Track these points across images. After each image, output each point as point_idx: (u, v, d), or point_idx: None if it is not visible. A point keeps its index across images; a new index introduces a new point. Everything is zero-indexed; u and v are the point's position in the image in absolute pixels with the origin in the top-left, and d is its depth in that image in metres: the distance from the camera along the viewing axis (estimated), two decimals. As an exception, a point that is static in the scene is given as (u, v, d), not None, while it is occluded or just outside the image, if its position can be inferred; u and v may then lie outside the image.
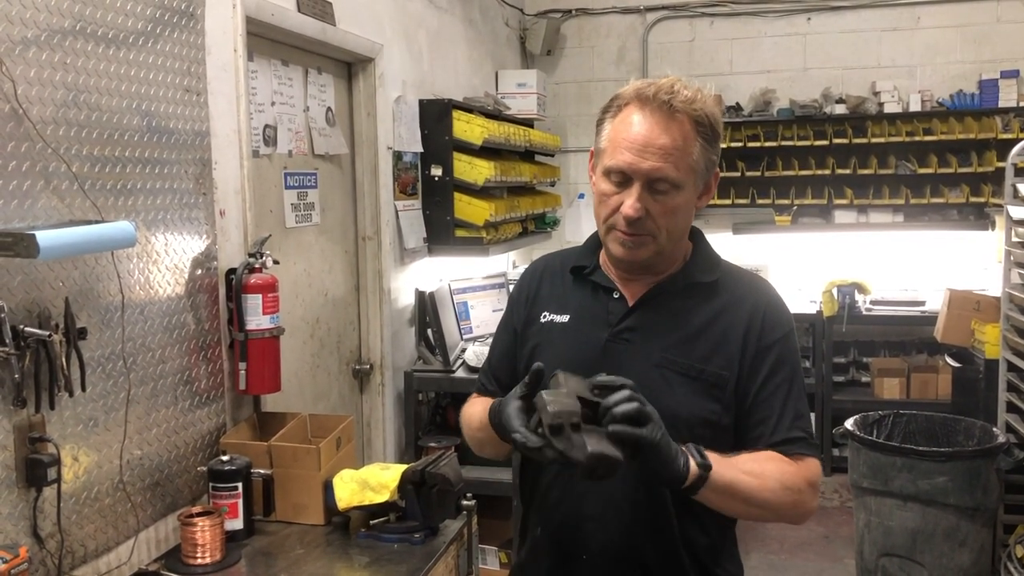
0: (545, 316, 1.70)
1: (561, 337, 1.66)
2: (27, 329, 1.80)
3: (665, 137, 1.50)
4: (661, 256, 1.60)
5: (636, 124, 1.51)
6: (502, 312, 1.86)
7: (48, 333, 1.83)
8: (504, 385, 1.74)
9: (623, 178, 1.53)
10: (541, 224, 5.27)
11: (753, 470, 1.47)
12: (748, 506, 1.48)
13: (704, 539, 1.60)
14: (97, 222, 1.95)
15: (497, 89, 5.44)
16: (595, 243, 1.71)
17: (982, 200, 5.48)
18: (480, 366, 2.25)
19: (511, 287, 3.35)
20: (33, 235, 1.68)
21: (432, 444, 3.80)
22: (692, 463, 1.39)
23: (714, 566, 1.62)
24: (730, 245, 5.83)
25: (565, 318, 1.67)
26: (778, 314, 1.63)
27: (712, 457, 1.42)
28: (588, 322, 1.65)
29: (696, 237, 1.69)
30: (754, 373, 1.57)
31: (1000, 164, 4.84)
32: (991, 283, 4.94)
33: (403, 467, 2.37)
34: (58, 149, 1.93)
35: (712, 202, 6.00)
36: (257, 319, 2.51)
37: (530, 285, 1.77)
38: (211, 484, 2.29)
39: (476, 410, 1.71)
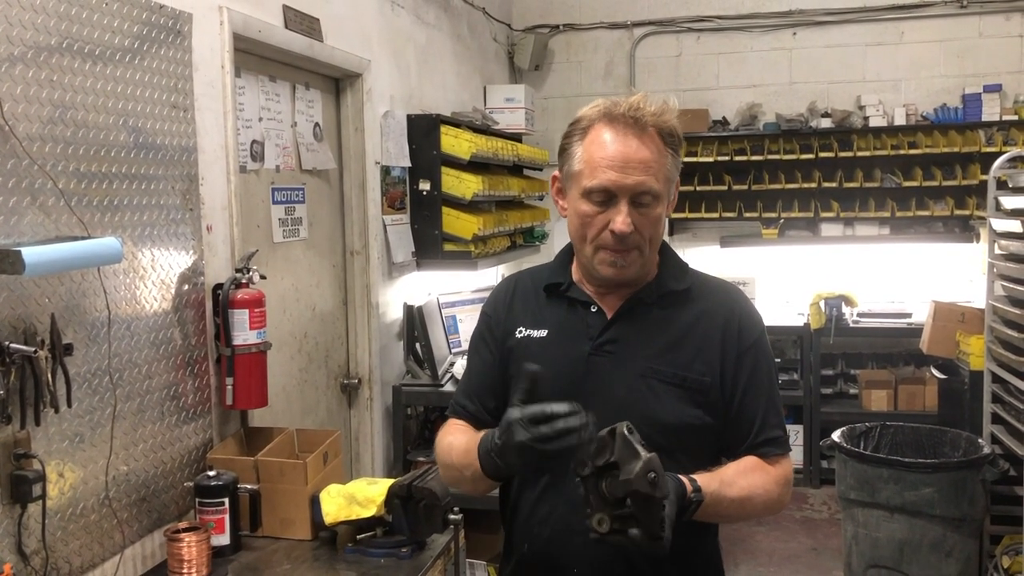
0: (521, 331, 1.70)
1: (541, 352, 1.65)
2: (12, 345, 1.80)
3: (643, 151, 1.54)
4: (643, 268, 1.63)
5: (611, 142, 1.54)
6: None
7: (34, 349, 1.84)
8: (485, 404, 1.73)
9: (607, 196, 1.55)
10: (529, 238, 5.28)
11: (738, 495, 1.55)
12: (731, 519, 1.66)
13: (691, 547, 1.61)
14: (83, 238, 1.96)
15: (485, 104, 5.47)
16: (566, 259, 1.73)
17: (967, 213, 5.54)
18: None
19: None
20: (19, 251, 1.69)
21: (421, 459, 3.79)
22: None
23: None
24: (717, 258, 5.87)
25: (543, 333, 1.68)
26: (752, 318, 1.69)
27: (702, 483, 1.48)
28: (568, 336, 1.66)
29: (663, 247, 1.71)
30: (737, 377, 1.64)
31: (984, 177, 4.89)
32: (976, 295, 4.97)
33: (390, 481, 2.37)
34: (44, 165, 1.94)
35: (700, 215, 6.08)
36: (244, 334, 2.52)
37: (504, 301, 1.76)
38: (197, 500, 2.29)
39: (457, 440, 1.66)
